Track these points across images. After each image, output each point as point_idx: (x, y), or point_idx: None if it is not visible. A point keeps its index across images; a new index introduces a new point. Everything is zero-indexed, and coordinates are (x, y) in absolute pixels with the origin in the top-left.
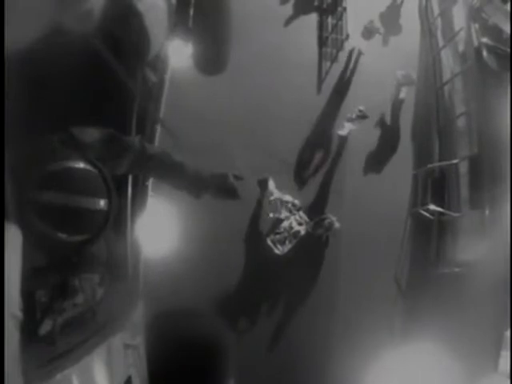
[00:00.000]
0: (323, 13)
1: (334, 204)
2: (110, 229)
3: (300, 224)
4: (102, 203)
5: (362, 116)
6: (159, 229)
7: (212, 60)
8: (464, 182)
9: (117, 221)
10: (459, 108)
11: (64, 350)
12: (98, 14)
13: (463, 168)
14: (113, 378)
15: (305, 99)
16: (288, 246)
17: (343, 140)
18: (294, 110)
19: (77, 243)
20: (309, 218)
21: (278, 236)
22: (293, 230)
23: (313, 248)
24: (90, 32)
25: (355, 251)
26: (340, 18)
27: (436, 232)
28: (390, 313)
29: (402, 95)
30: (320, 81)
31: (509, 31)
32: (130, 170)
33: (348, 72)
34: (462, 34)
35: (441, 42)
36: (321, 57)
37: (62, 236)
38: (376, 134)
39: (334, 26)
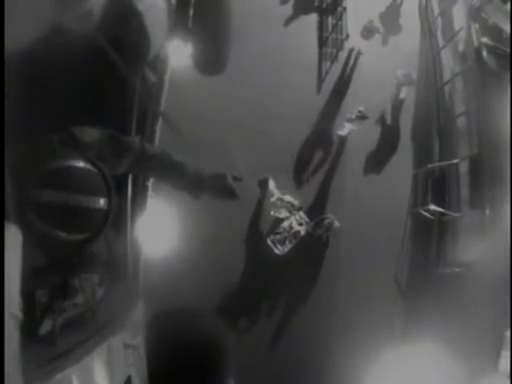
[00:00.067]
0: (323, 13)
1: (334, 204)
2: (110, 228)
3: (300, 224)
4: (102, 202)
5: (362, 116)
6: (159, 229)
7: (212, 60)
8: (464, 181)
9: (117, 220)
10: (459, 108)
11: (64, 350)
12: (98, 13)
13: (463, 168)
14: (113, 378)
15: (305, 99)
16: (288, 246)
17: (343, 140)
18: (293, 110)
19: (77, 242)
20: (309, 218)
21: (278, 236)
22: (293, 230)
23: (313, 248)
24: (90, 32)
25: (355, 251)
26: (340, 18)
27: (436, 232)
28: (389, 313)
29: (402, 95)
30: (320, 81)
31: (509, 31)
32: (129, 169)
33: (348, 72)
34: (462, 34)
35: (441, 42)
36: (321, 57)
37: (62, 235)
38: (376, 133)
39: (334, 26)
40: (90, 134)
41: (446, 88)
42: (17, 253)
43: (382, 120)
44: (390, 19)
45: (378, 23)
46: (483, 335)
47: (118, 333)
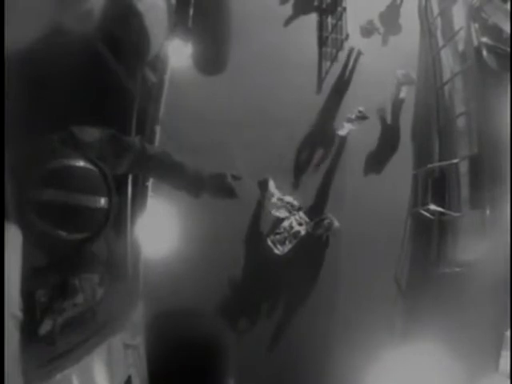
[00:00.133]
0: (323, 13)
1: (334, 204)
2: (110, 228)
3: (300, 224)
4: (103, 201)
5: (362, 117)
6: (159, 229)
7: (212, 60)
8: (464, 181)
9: (117, 220)
10: (459, 108)
11: (64, 350)
12: (98, 13)
13: (463, 168)
14: (113, 378)
15: (305, 99)
16: (288, 246)
17: (343, 140)
18: (293, 110)
19: (77, 241)
20: (309, 218)
21: (278, 236)
22: (293, 230)
23: (313, 248)
24: (90, 32)
25: (355, 251)
26: (340, 18)
27: (436, 232)
28: (390, 313)
29: (402, 95)
30: (320, 81)
31: (509, 31)
32: (130, 169)
33: (348, 72)
34: (462, 34)
35: (440, 42)
36: (321, 57)
37: (63, 234)
38: (376, 133)
39: (334, 26)
40: (91, 133)
41: (446, 88)
42: (17, 253)
43: (382, 120)
44: (390, 19)
45: (377, 23)
46: (483, 335)
47: (118, 333)
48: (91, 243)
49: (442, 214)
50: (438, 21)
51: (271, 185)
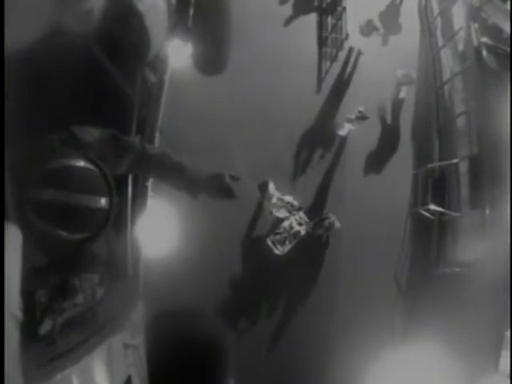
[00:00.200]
0: (323, 13)
1: (334, 204)
2: (111, 228)
3: (300, 224)
4: (103, 201)
5: (362, 117)
6: (159, 229)
7: (212, 60)
8: (464, 181)
9: (117, 220)
10: (459, 107)
11: (64, 350)
12: (98, 14)
13: (463, 168)
14: (113, 378)
15: (305, 99)
16: (288, 247)
17: (343, 140)
18: (293, 110)
19: (77, 241)
20: (309, 218)
21: (277, 236)
22: (293, 231)
23: (313, 248)
24: (90, 32)
25: (355, 251)
26: (339, 18)
27: (436, 232)
28: (390, 313)
29: (402, 94)
30: (320, 81)
31: (509, 31)
32: (130, 169)
33: (348, 71)
34: (462, 34)
35: (440, 42)
36: (321, 57)
37: (63, 234)
38: (376, 133)
39: (334, 26)
40: (91, 133)
41: (446, 87)
42: (17, 253)
43: (382, 120)
44: (390, 19)
45: (377, 23)
46: (483, 335)
47: (118, 333)
48: (91, 243)
49: (441, 213)
50: (438, 20)
51: (271, 186)
